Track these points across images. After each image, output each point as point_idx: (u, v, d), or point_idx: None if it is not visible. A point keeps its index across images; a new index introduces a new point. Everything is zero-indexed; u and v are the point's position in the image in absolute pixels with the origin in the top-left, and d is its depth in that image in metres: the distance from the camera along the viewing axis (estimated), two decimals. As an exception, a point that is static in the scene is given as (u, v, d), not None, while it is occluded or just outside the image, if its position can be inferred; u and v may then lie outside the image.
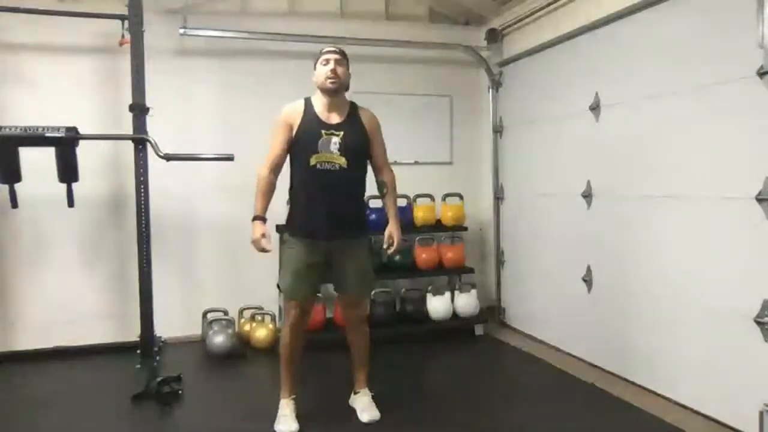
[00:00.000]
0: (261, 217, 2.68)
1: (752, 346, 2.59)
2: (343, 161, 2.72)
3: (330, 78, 2.71)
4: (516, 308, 4.63)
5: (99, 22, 3.85)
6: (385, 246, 2.82)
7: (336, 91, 2.75)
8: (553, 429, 2.85)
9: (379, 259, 4.33)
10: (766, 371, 2.54)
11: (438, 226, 4.56)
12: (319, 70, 2.75)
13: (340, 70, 2.74)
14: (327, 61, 2.73)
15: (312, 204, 2.73)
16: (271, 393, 3.07)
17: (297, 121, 2.74)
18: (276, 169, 2.76)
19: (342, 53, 2.79)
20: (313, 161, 2.71)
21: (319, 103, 2.78)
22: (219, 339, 3.96)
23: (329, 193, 2.72)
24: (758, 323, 2.57)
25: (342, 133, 2.73)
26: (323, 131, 2.72)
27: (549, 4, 3.96)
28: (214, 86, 4.38)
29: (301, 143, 2.73)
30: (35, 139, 3.34)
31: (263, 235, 2.64)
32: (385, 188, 2.87)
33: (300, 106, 2.78)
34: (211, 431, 2.86)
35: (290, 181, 2.82)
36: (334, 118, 2.77)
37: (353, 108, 2.85)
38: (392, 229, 2.81)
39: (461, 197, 4.59)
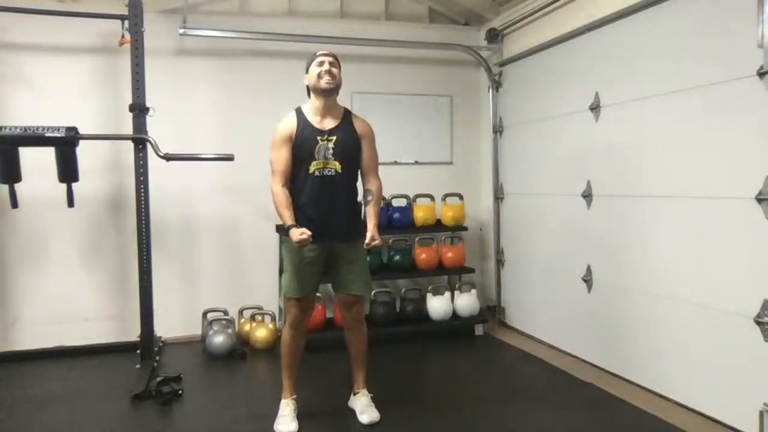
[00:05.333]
0: (293, 225, 2.67)
1: (752, 346, 2.59)
2: (338, 166, 2.76)
3: (325, 78, 2.72)
4: (516, 308, 4.62)
5: (99, 22, 3.86)
6: (367, 242, 2.79)
7: (331, 91, 2.76)
8: (552, 429, 2.85)
9: (379, 259, 4.35)
10: (766, 371, 2.54)
11: (438, 226, 4.56)
12: (312, 71, 2.76)
13: (335, 71, 2.75)
14: (321, 62, 2.75)
15: (311, 209, 2.75)
16: (271, 393, 3.08)
17: (294, 133, 2.75)
18: (287, 183, 2.77)
19: (335, 57, 2.80)
20: (311, 168, 2.74)
21: (312, 110, 2.80)
22: (219, 339, 3.96)
23: (328, 197, 2.75)
24: (758, 323, 2.57)
25: (335, 138, 2.76)
26: (318, 138, 2.75)
27: (549, 4, 3.96)
28: (214, 86, 4.38)
29: (300, 152, 2.75)
30: (35, 139, 3.34)
31: (302, 233, 2.61)
32: (370, 195, 2.86)
33: (293, 118, 2.79)
34: (210, 431, 2.86)
35: (289, 186, 2.81)
36: (328, 124, 2.79)
37: (347, 114, 2.87)
38: (374, 232, 2.79)
39: (461, 197, 4.59)
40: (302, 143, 2.74)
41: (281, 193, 2.73)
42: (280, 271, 3.08)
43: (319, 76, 2.72)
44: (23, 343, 4.02)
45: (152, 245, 3.76)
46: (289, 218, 2.69)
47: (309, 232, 2.62)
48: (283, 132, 2.76)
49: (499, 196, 4.77)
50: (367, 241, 2.76)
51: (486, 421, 2.93)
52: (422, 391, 3.38)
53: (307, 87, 2.83)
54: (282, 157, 2.75)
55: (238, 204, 4.43)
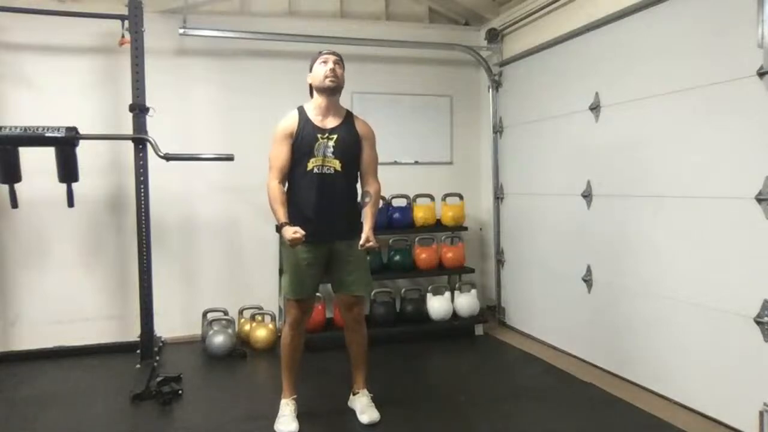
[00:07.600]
0: (286, 223, 2.67)
1: (752, 346, 2.59)
2: (338, 164, 2.76)
3: (329, 77, 2.74)
4: (516, 308, 4.63)
5: (99, 22, 3.86)
6: (362, 243, 2.77)
7: (334, 90, 2.77)
8: (552, 429, 2.84)
9: (379, 259, 4.35)
10: (766, 371, 2.54)
11: (438, 226, 4.57)
12: (316, 69, 2.78)
13: (338, 70, 2.78)
14: (326, 61, 2.77)
15: (310, 207, 2.75)
16: (271, 393, 3.08)
17: (294, 130, 2.77)
18: (283, 179, 2.78)
19: (340, 56, 2.83)
20: (310, 165, 2.75)
21: (314, 109, 2.81)
22: (219, 339, 3.96)
23: (326, 195, 2.76)
24: (758, 323, 2.57)
25: (336, 136, 2.78)
26: (319, 135, 2.76)
27: (549, 4, 3.96)
28: (214, 86, 4.38)
29: (299, 149, 2.76)
30: (35, 139, 3.34)
31: (295, 232, 2.61)
32: (368, 197, 2.86)
33: (295, 115, 2.81)
34: (210, 431, 2.86)
35: (288, 184, 2.82)
36: (329, 123, 2.80)
37: (349, 115, 2.89)
38: (369, 233, 2.76)
39: (461, 197, 4.59)
40: (302, 140, 2.75)
41: (276, 189, 2.73)
42: (280, 271, 3.08)
43: (324, 74, 2.74)
44: (23, 343, 4.02)
45: (152, 245, 3.76)
46: (282, 215, 2.69)
47: (302, 231, 2.61)
48: (285, 128, 2.77)
49: (499, 196, 4.77)
50: (361, 242, 2.73)
51: (486, 421, 2.93)
52: (422, 391, 3.38)
53: (310, 86, 2.84)
54: (281, 153, 2.76)
55: (238, 204, 4.43)
